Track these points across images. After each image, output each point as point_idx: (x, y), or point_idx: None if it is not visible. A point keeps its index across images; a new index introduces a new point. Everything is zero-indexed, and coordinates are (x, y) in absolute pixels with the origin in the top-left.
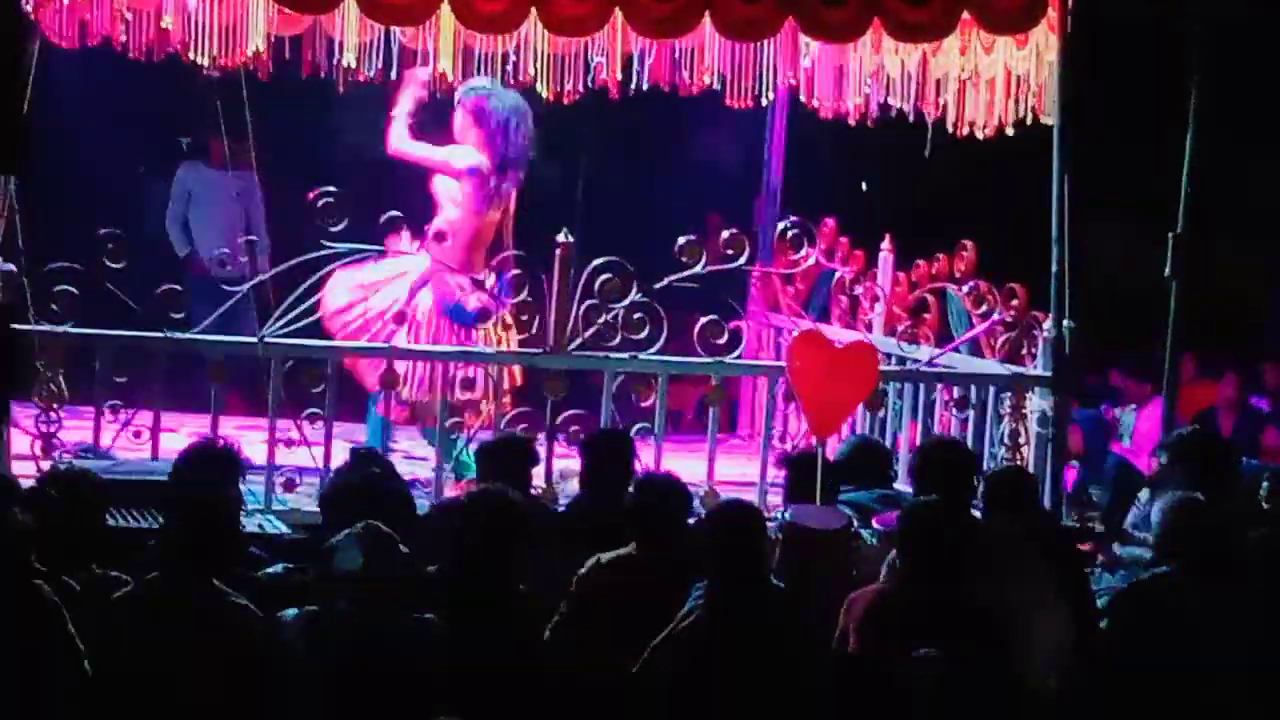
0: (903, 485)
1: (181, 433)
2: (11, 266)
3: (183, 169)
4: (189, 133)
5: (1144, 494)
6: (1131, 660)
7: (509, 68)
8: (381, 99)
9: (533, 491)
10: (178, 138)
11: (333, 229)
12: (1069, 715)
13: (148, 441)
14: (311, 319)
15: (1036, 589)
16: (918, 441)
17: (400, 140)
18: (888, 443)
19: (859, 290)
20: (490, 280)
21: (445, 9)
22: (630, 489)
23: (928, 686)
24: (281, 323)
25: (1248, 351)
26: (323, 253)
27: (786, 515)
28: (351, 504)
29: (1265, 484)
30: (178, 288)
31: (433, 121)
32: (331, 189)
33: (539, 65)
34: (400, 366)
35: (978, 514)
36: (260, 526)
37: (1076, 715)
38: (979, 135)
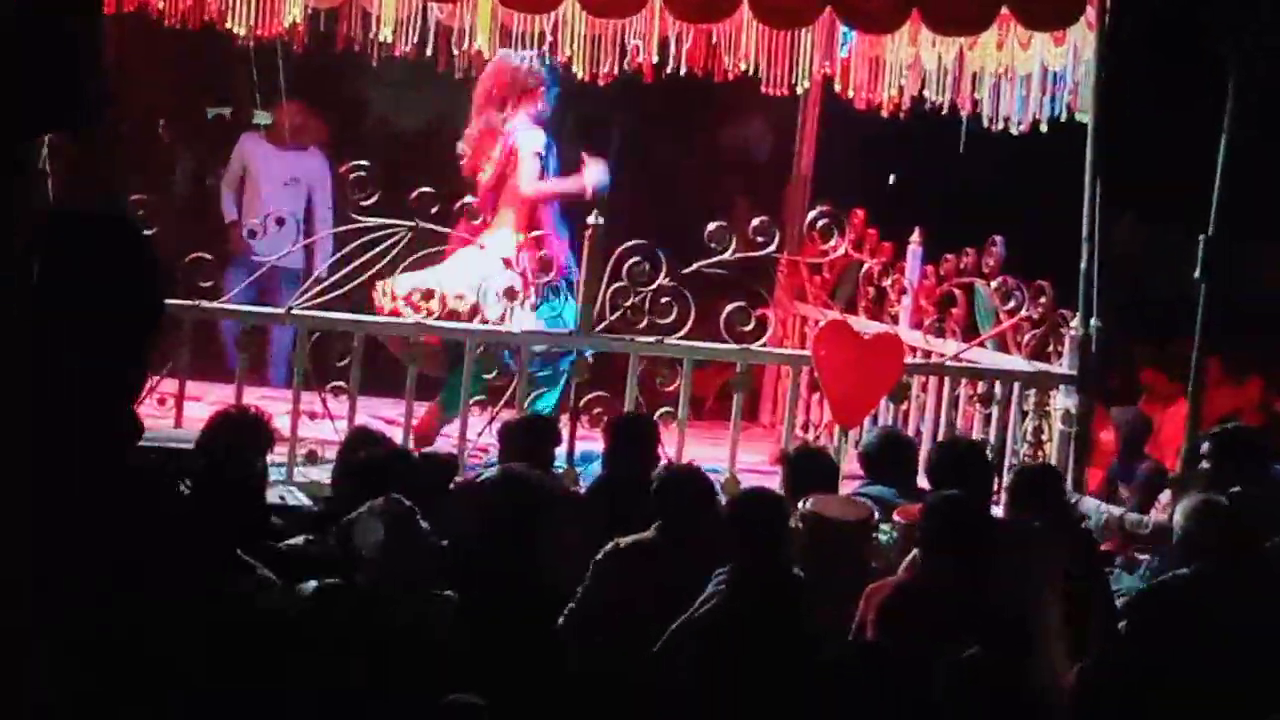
0: (923, 480)
1: (206, 402)
2: None
3: (245, 138)
4: (227, 103)
5: (1165, 495)
6: (1150, 661)
7: (545, 47)
8: (414, 74)
9: (554, 471)
10: (208, 109)
11: (363, 204)
12: (1085, 714)
13: (172, 409)
14: (338, 292)
15: (1055, 587)
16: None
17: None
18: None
19: (887, 282)
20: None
21: None
22: (654, 475)
23: (951, 682)
24: (309, 295)
25: (1274, 355)
26: (350, 227)
27: (808, 504)
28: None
29: None
30: (207, 256)
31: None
32: (363, 163)
33: (575, 45)
34: None
35: (998, 510)
36: (282, 498)
37: (1093, 715)
38: (1013, 131)
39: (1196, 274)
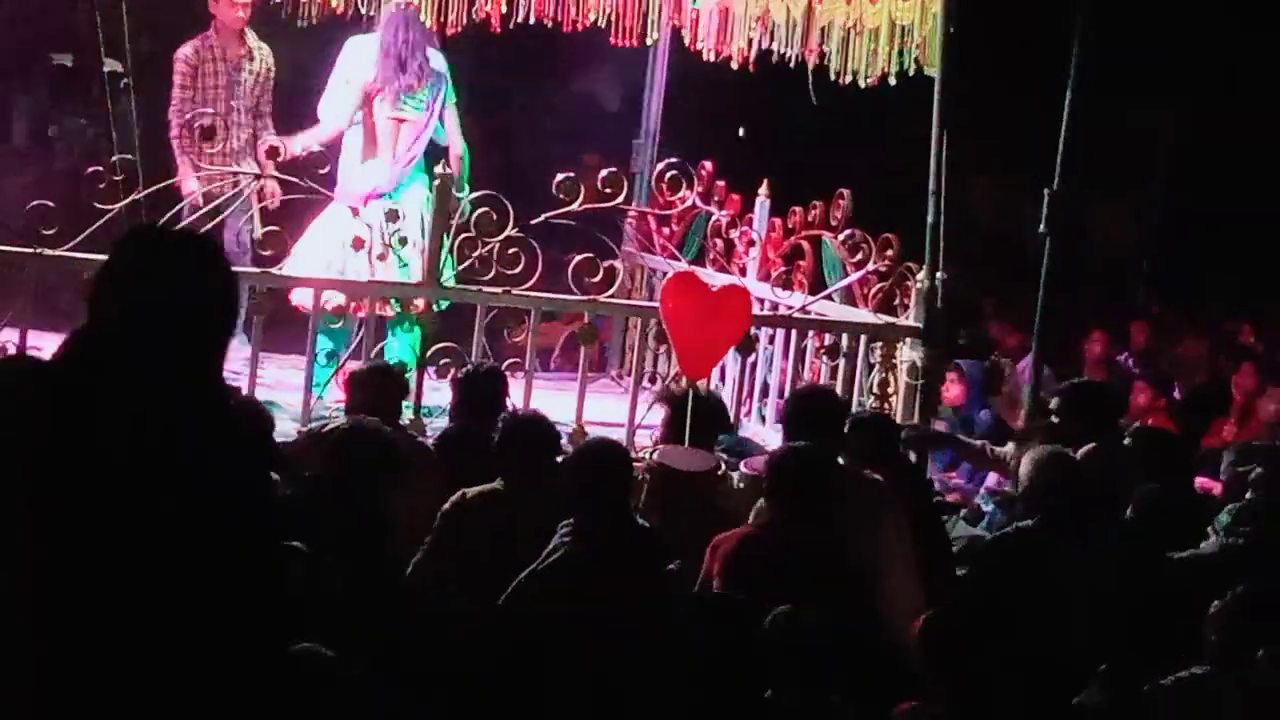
0: (773, 429)
1: (47, 353)
2: None
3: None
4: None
5: (1009, 447)
6: (991, 613)
7: None
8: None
9: (401, 422)
10: (51, 56)
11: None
12: (928, 665)
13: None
14: None
15: (898, 538)
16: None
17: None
18: (756, 388)
19: (735, 234)
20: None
21: None
22: (499, 425)
23: (790, 636)
24: None
25: (1116, 308)
26: (198, 174)
27: (654, 455)
28: None
29: (1128, 438)
30: (49, 204)
31: None
32: (208, 110)
33: None
34: None
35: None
36: None
37: (935, 665)
38: (861, 84)
39: (1041, 228)
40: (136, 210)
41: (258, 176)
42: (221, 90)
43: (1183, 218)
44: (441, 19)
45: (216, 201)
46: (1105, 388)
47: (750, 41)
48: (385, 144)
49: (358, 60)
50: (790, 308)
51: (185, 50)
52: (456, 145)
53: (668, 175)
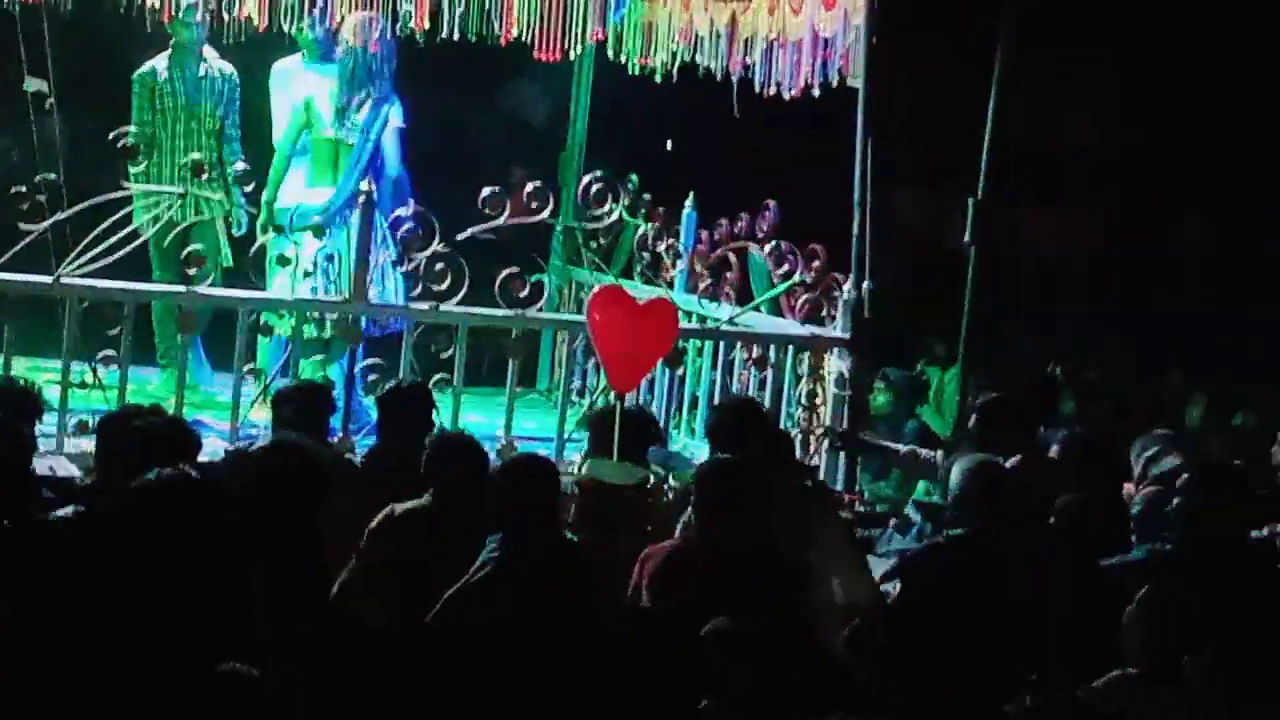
0: (703, 442)
1: None
2: None
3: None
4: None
5: (938, 454)
6: (928, 623)
7: (316, 12)
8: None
9: (329, 439)
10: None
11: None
12: (859, 674)
13: None
14: (112, 259)
15: (832, 547)
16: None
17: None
18: (685, 400)
19: (661, 247)
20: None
21: None
22: (426, 443)
23: (728, 645)
24: (79, 263)
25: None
26: (118, 194)
27: (583, 470)
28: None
29: (1056, 446)
30: None
31: None
32: (131, 128)
33: (346, 10)
34: None
35: None
36: (51, 469)
37: (866, 674)
38: (785, 96)
39: (966, 237)
40: (60, 230)
41: (181, 195)
42: (180, 111)
43: (1121, 229)
44: (366, 35)
45: (150, 216)
46: (1019, 401)
47: (673, 54)
48: (327, 167)
49: (293, 82)
50: (717, 320)
51: (143, 70)
52: (390, 167)
53: (593, 188)
